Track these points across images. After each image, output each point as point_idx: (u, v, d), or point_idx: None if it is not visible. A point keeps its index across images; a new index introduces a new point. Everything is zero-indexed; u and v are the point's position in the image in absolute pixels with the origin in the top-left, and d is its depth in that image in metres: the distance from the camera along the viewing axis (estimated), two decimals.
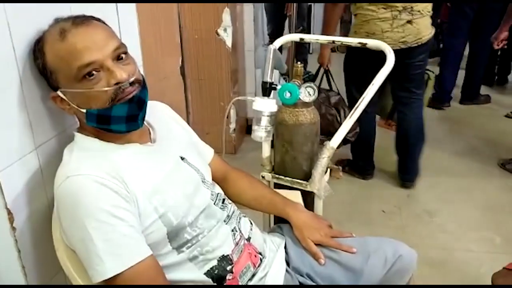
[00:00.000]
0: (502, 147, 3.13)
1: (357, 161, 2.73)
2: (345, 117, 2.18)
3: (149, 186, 0.93)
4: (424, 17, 2.23)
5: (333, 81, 2.74)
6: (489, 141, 3.27)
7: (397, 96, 2.56)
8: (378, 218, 2.34)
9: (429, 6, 2.24)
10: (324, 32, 2.43)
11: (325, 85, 2.79)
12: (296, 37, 1.59)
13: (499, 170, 2.83)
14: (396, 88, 2.52)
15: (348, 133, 1.36)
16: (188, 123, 2.36)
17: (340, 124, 2.11)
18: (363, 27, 2.25)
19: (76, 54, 0.85)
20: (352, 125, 1.36)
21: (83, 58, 0.85)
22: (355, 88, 2.48)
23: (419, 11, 2.19)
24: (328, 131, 2.13)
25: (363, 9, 2.23)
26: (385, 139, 2.92)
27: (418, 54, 2.31)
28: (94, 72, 0.87)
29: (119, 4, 1.25)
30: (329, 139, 1.36)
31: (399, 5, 2.15)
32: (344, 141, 2.26)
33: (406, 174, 2.65)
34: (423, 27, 2.23)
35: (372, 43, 1.45)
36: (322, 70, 2.73)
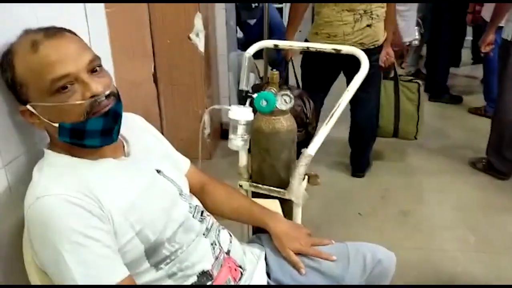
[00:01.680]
0: (471, 145, 3.20)
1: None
2: (310, 108, 2.28)
3: (124, 202, 0.90)
4: (381, 22, 2.36)
5: (295, 74, 2.76)
6: (459, 139, 3.35)
7: (353, 96, 2.62)
8: (355, 220, 2.36)
9: (384, 11, 2.35)
10: (288, 27, 2.54)
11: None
12: (270, 43, 1.58)
13: (469, 168, 2.90)
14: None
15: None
16: (162, 130, 2.34)
17: (306, 114, 2.24)
18: (325, 29, 2.33)
19: (49, 66, 0.82)
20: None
21: (57, 71, 0.82)
22: (315, 85, 2.54)
23: (377, 15, 2.30)
24: (298, 122, 2.16)
25: (328, 9, 2.28)
26: None
27: (372, 55, 2.32)
28: (68, 85, 0.83)
29: (89, 12, 1.21)
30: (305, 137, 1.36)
31: (361, 9, 2.25)
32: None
33: (358, 167, 2.82)
34: (379, 31, 2.36)
35: (346, 49, 1.46)
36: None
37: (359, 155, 2.81)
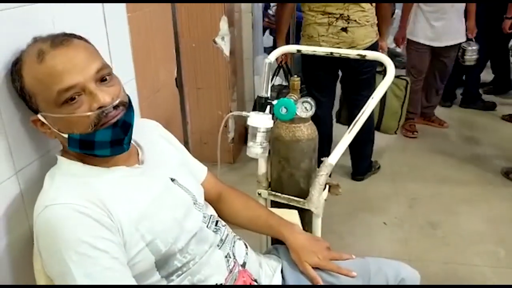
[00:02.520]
0: (504, 154, 3.07)
1: None
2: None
3: (135, 212, 0.88)
4: (362, 27, 2.28)
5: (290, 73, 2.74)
6: (491, 148, 3.21)
7: (349, 99, 2.68)
8: (380, 230, 2.28)
9: (368, 17, 2.29)
10: (276, 32, 2.61)
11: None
12: (293, 48, 1.54)
13: (502, 178, 2.77)
14: (347, 92, 2.64)
15: None
16: (186, 134, 2.33)
17: None
18: (306, 30, 2.36)
19: (56, 77, 0.80)
20: None
21: (63, 82, 0.80)
22: (315, 90, 2.53)
23: (355, 20, 2.25)
24: None
25: (306, 13, 2.33)
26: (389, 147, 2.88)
27: (363, 62, 2.32)
28: (75, 96, 0.82)
29: (108, 16, 1.20)
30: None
31: (337, 13, 2.23)
32: None
33: (358, 171, 2.80)
34: (358, 36, 2.29)
35: (372, 55, 1.40)
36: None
37: (358, 158, 2.78)
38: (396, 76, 2.77)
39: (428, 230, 2.28)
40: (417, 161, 3.05)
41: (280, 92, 2.96)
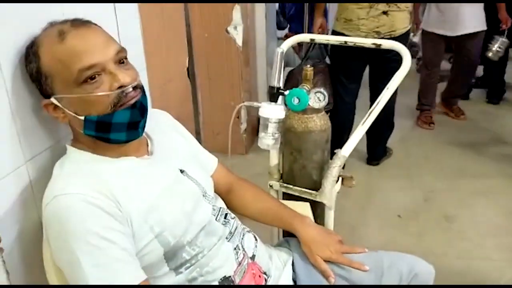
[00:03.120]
0: None
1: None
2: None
3: (144, 204, 0.86)
4: (401, 12, 2.28)
5: (326, 51, 2.68)
6: (510, 141, 3.14)
7: (373, 86, 2.64)
8: (394, 223, 2.25)
9: (407, 2, 2.30)
10: (314, 7, 2.59)
11: None
12: (306, 37, 1.51)
13: None
14: (373, 79, 2.60)
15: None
16: (198, 124, 2.32)
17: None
18: (343, 13, 2.34)
19: (77, 56, 0.80)
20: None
21: (85, 60, 0.80)
22: (344, 76, 2.52)
23: (396, 4, 2.24)
24: None
25: None
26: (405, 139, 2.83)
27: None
28: (95, 75, 0.81)
29: (118, 5, 1.19)
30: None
31: None
32: None
33: (374, 156, 2.84)
34: (398, 21, 2.29)
35: (386, 43, 1.37)
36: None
37: (375, 145, 2.80)
38: None
39: (444, 223, 2.24)
40: (433, 153, 3.00)
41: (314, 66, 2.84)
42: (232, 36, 2.68)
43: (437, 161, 2.89)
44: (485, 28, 3.15)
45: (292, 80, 2.48)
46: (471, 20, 3.10)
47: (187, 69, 1.94)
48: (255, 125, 3.20)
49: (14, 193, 0.87)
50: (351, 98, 2.56)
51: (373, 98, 2.60)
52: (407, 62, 1.28)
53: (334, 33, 2.43)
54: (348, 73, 2.51)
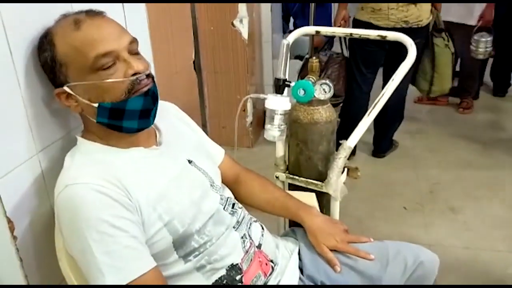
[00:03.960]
0: None
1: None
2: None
3: (153, 193, 0.88)
4: (427, 2, 2.34)
5: (345, 45, 2.68)
6: None
7: (389, 76, 2.50)
8: (400, 215, 2.26)
9: None
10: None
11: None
12: (311, 29, 1.52)
13: None
14: (389, 69, 2.56)
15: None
16: (204, 117, 2.33)
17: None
18: (370, 3, 2.35)
19: (93, 43, 0.82)
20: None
21: (100, 47, 0.82)
22: (364, 65, 2.54)
23: None
24: None
25: None
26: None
27: (416, 37, 2.26)
28: (110, 63, 0.83)
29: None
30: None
31: None
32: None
33: (380, 148, 2.83)
34: (424, 10, 2.35)
35: (391, 35, 1.37)
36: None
37: (381, 137, 2.80)
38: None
39: (449, 215, 2.25)
40: (439, 145, 3.00)
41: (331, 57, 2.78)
42: (238, 29, 2.69)
43: (443, 153, 2.89)
44: (474, 23, 3.05)
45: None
46: (464, 10, 3.06)
47: (193, 62, 1.95)
48: (261, 119, 3.21)
49: (26, 183, 0.89)
50: (367, 87, 2.59)
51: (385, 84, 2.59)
52: (412, 53, 1.29)
53: (358, 22, 2.44)
54: (368, 62, 2.54)
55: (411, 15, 2.31)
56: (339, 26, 2.69)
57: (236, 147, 1.38)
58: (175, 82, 1.72)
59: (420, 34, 2.40)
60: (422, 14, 2.34)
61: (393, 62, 2.50)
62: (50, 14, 0.89)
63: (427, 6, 2.38)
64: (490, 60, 3.73)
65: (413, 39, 1.34)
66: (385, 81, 2.61)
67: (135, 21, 1.27)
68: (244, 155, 2.82)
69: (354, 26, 2.52)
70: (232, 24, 2.68)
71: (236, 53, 2.77)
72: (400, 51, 2.40)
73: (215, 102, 2.91)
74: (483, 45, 3.02)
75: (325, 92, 1.26)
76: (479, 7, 3.07)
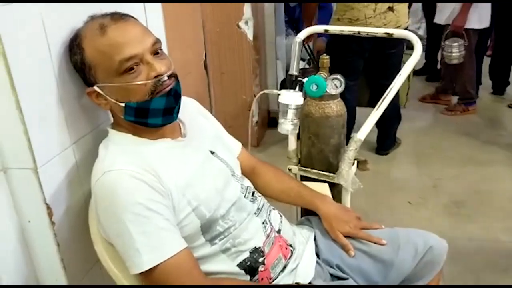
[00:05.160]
0: None
1: None
2: None
3: (182, 180, 0.94)
4: (403, 5, 2.33)
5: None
6: None
7: (377, 84, 2.64)
8: (405, 209, 2.32)
9: None
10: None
11: None
12: (320, 28, 1.58)
13: None
14: (376, 77, 2.62)
15: None
16: None
17: None
18: (346, 14, 2.33)
19: (118, 48, 0.87)
20: None
21: (125, 52, 0.87)
22: (344, 74, 2.52)
23: None
24: None
25: None
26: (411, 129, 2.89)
27: (397, 44, 2.40)
28: (134, 66, 0.89)
29: (147, 3, 1.27)
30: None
31: None
32: None
33: (383, 146, 2.90)
34: (402, 15, 2.33)
35: (398, 33, 1.43)
36: None
37: (384, 137, 2.87)
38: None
39: (453, 209, 2.31)
40: (441, 142, 3.06)
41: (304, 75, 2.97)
42: (243, 30, 2.75)
43: (444, 150, 2.95)
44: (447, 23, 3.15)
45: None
46: (445, 11, 3.15)
47: (204, 62, 2.01)
48: (266, 118, 3.27)
49: (63, 173, 0.96)
50: (350, 94, 2.50)
51: (376, 96, 2.60)
52: (418, 49, 1.34)
53: (336, 34, 2.36)
54: (347, 71, 2.49)
55: (390, 22, 2.30)
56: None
57: (250, 146, 1.43)
58: (187, 82, 1.78)
59: (400, 41, 2.41)
60: (400, 19, 2.33)
61: (379, 70, 2.58)
62: (80, 15, 0.94)
63: (405, 10, 2.36)
64: (488, 60, 3.82)
65: (394, 47, 1.40)
66: (375, 89, 2.68)
67: (155, 24, 1.33)
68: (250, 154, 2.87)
69: (332, 39, 2.52)
70: (238, 25, 2.74)
71: (241, 54, 2.83)
72: (384, 58, 2.50)
73: (221, 102, 2.96)
74: (456, 49, 3.08)
75: (337, 87, 1.32)
76: (448, 9, 3.14)
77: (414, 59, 1.37)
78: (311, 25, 2.52)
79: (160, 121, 0.95)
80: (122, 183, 0.86)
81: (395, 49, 2.43)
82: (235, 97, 2.94)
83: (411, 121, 3.31)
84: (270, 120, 3.32)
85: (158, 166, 0.92)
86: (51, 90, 0.91)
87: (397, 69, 2.41)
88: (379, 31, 1.46)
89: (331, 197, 1.30)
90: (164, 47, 1.44)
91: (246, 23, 2.75)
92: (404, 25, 2.36)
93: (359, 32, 1.48)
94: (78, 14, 0.95)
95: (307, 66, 3.24)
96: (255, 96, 1.92)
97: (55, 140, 0.93)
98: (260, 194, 1.16)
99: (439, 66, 4.06)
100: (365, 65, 2.59)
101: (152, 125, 0.96)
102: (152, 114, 0.93)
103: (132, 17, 0.96)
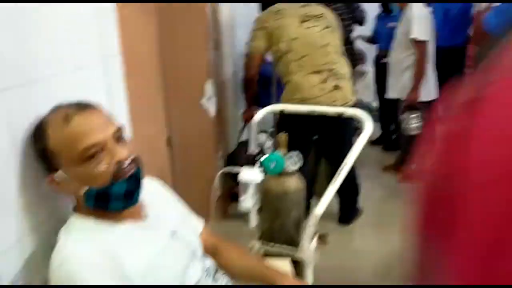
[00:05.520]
0: None
1: None
2: None
3: (143, 264, 0.95)
4: (348, 81, 2.42)
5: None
6: None
7: (333, 158, 2.61)
8: (370, 280, 2.32)
9: (347, 70, 2.45)
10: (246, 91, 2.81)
11: None
12: (277, 108, 1.68)
13: None
14: (330, 152, 2.65)
15: None
16: (174, 192, 2.39)
17: None
18: (296, 95, 2.36)
19: (81, 136, 0.91)
20: None
21: (88, 140, 0.91)
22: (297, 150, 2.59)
23: (342, 74, 2.38)
24: None
25: (296, 75, 2.36)
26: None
27: (350, 120, 2.41)
28: (96, 153, 0.92)
29: (108, 82, 1.32)
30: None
31: (326, 69, 2.33)
32: None
33: (345, 217, 2.92)
34: (348, 92, 2.41)
35: (349, 112, 1.54)
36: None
37: (346, 207, 2.90)
38: None
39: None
40: (402, 209, 3.11)
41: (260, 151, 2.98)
42: (206, 107, 2.84)
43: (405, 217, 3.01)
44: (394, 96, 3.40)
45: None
46: (396, 86, 3.39)
47: (168, 138, 2.06)
48: (228, 193, 3.29)
49: (21, 260, 0.93)
50: (306, 166, 2.39)
51: (334, 169, 2.65)
52: (368, 127, 1.44)
53: (286, 115, 2.40)
54: (300, 147, 2.52)
55: (337, 99, 2.34)
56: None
57: (210, 220, 1.45)
58: (151, 159, 1.81)
59: (350, 119, 2.41)
60: (347, 96, 2.38)
61: (334, 145, 2.58)
62: (49, 102, 0.98)
63: (349, 87, 2.43)
64: None
65: (347, 125, 1.47)
66: (332, 163, 2.61)
67: (117, 106, 1.38)
68: (213, 229, 2.85)
69: (283, 119, 2.54)
70: (201, 102, 2.84)
71: (205, 129, 2.89)
72: (337, 133, 2.48)
73: (185, 177, 2.96)
74: (414, 121, 3.22)
75: (295, 163, 1.38)
76: (399, 84, 3.36)
77: (366, 134, 1.46)
78: (250, 105, 2.75)
79: (121, 204, 0.97)
80: (81, 274, 0.86)
81: (347, 125, 2.49)
82: (199, 172, 2.96)
83: (374, 190, 3.41)
84: (232, 194, 3.33)
85: (119, 251, 0.93)
86: (13, 177, 0.92)
87: (351, 144, 2.49)
88: (331, 110, 1.57)
89: (291, 274, 1.31)
90: (128, 127, 1.50)
91: (209, 99, 2.85)
92: (352, 101, 2.41)
93: (313, 111, 1.57)
94: (44, 102, 0.98)
95: (270, 138, 3.30)
96: (219, 171, 1.96)
97: (15, 227, 0.92)
98: (222, 273, 1.16)
99: (393, 137, 4.27)
100: (319, 140, 2.63)
101: (114, 209, 0.97)
102: (114, 198, 0.95)
103: (97, 107, 1.00)
